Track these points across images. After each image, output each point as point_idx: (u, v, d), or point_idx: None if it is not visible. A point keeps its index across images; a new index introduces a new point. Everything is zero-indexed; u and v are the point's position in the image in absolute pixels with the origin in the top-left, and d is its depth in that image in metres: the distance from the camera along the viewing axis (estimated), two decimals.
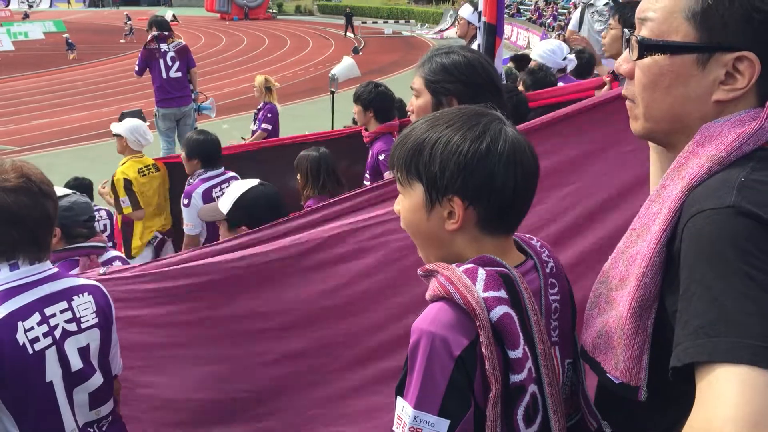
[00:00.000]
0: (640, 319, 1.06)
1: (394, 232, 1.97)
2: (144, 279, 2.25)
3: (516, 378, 1.15)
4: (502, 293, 1.16)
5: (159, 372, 2.33)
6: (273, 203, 2.59)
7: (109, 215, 5.35)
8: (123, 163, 5.00)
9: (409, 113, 2.13)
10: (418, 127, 1.27)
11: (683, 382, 0.92)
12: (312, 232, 2.08)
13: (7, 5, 59.55)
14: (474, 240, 1.24)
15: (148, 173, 5.00)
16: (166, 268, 2.22)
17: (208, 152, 4.41)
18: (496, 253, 1.24)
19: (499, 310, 1.14)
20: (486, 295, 1.15)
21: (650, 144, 1.32)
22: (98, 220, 5.46)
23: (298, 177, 4.07)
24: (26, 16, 46.03)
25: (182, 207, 4.34)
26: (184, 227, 4.39)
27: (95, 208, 5.35)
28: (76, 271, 2.72)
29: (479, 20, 3.62)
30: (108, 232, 5.48)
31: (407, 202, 1.28)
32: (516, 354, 1.15)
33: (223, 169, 4.48)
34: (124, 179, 4.89)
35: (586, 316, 1.23)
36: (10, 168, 1.89)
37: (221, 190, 4.22)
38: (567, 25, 25.89)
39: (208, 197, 4.20)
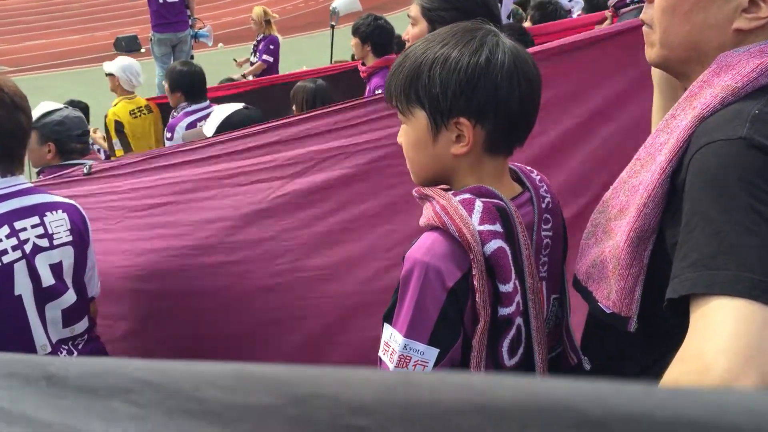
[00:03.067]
0: (637, 250, 1.06)
1: (387, 157, 1.96)
2: (126, 172, 2.23)
3: (504, 311, 1.16)
4: (498, 227, 1.15)
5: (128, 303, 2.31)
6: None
7: (106, 155, 5.31)
8: (115, 104, 4.92)
9: (405, 41, 2.11)
10: (412, 51, 1.22)
11: (676, 315, 0.91)
12: (302, 152, 2.04)
13: None
14: (475, 163, 1.21)
15: (140, 115, 4.92)
16: (141, 179, 2.19)
17: (191, 84, 4.28)
18: (493, 177, 1.22)
19: (494, 244, 1.13)
20: (481, 228, 1.13)
21: (654, 80, 1.31)
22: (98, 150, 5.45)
23: (293, 108, 4.03)
24: None
25: (165, 141, 4.26)
26: None
27: (94, 147, 5.33)
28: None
29: None
30: (106, 152, 5.46)
31: (411, 131, 1.23)
32: (507, 288, 1.15)
33: (208, 102, 4.35)
34: (116, 121, 4.81)
35: (581, 245, 1.23)
36: None
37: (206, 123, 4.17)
38: None
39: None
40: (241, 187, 2.11)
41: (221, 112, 2.61)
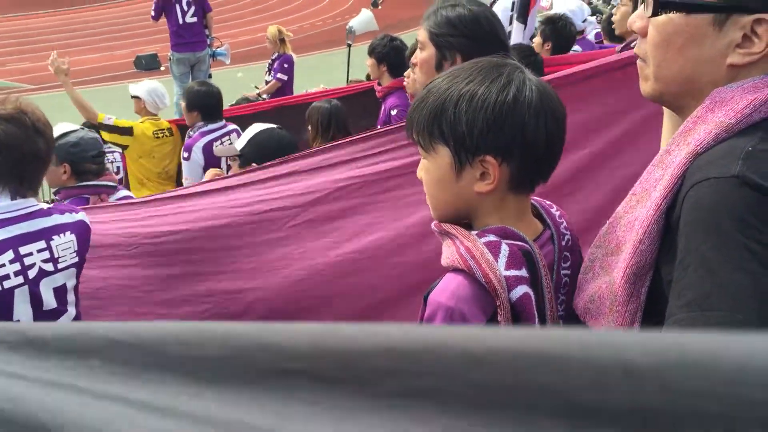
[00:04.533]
0: (634, 286, 1.04)
1: (403, 186, 1.95)
2: (131, 219, 2.25)
3: None
4: (524, 272, 1.13)
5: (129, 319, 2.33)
6: (285, 146, 2.60)
7: (123, 158, 5.35)
8: (141, 122, 4.95)
9: (411, 65, 2.10)
10: (436, 86, 1.20)
11: None
12: (318, 182, 2.05)
13: None
14: (499, 201, 1.19)
15: (162, 137, 4.94)
16: (158, 208, 2.22)
17: (208, 104, 4.27)
18: (515, 216, 1.20)
19: (520, 290, 1.11)
20: (508, 273, 1.11)
21: (664, 108, 1.29)
22: (111, 162, 5.46)
23: (309, 128, 4.04)
24: None
25: (182, 160, 4.27)
26: (184, 180, 4.31)
27: (109, 149, 5.35)
28: None
29: None
30: (121, 174, 5.47)
31: (433, 167, 1.21)
32: None
33: (224, 122, 4.35)
34: (132, 126, 4.80)
35: (579, 279, 1.21)
36: (10, 102, 1.89)
37: (222, 143, 4.16)
38: None
39: (208, 151, 4.12)
40: (259, 215, 2.12)
41: (254, 128, 2.64)
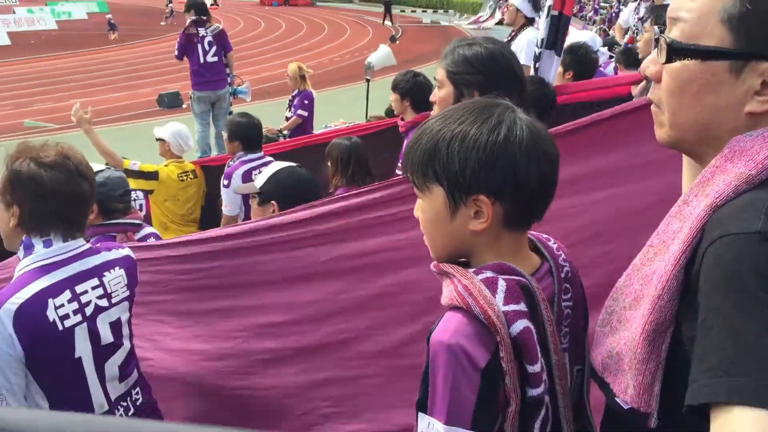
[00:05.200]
0: (654, 343, 1.00)
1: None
2: (164, 257, 2.29)
3: (534, 392, 1.13)
4: (522, 306, 1.13)
5: (162, 355, 2.36)
6: (305, 184, 2.59)
7: (145, 195, 5.38)
8: (166, 165, 5.00)
9: (432, 102, 2.11)
10: (429, 127, 1.22)
11: (698, 417, 0.85)
12: (340, 223, 2.07)
13: None
14: (495, 239, 1.20)
15: (186, 179, 5.00)
16: (192, 249, 2.25)
17: (249, 135, 4.47)
18: (512, 253, 1.21)
19: (519, 325, 1.11)
20: (506, 308, 1.11)
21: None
22: (134, 200, 5.51)
23: (329, 164, 4.05)
24: None
25: (222, 188, 4.39)
26: (223, 208, 4.44)
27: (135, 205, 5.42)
28: None
29: (548, 11, 3.51)
30: (144, 212, 5.50)
31: (428, 207, 1.22)
32: (535, 369, 1.13)
33: (262, 153, 4.53)
34: (157, 170, 4.85)
35: (596, 332, 1.17)
36: (52, 147, 1.95)
37: (260, 172, 4.23)
38: (608, 19, 25.47)
39: (247, 179, 4.23)
40: (289, 253, 2.15)
41: (274, 166, 2.66)
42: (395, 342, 2.08)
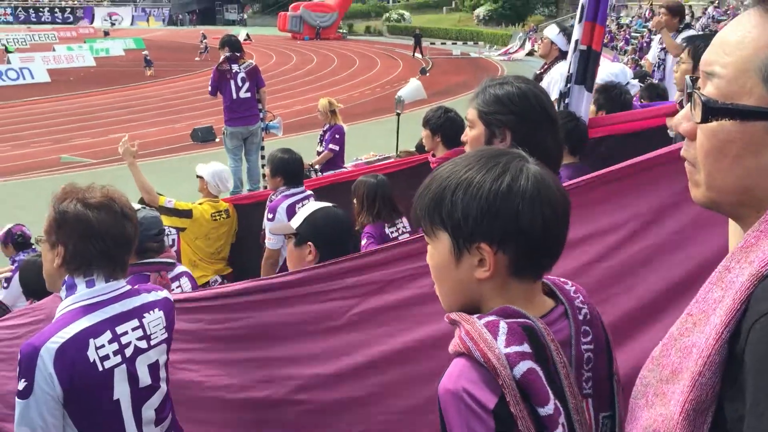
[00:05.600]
0: (694, 423, 0.92)
1: None
2: (197, 307, 2.30)
3: None
4: (525, 347, 1.11)
5: (193, 408, 2.34)
6: (341, 225, 2.57)
7: (177, 232, 5.41)
8: (200, 203, 5.03)
9: (463, 143, 2.08)
10: (439, 173, 1.23)
11: None
12: (373, 275, 2.05)
13: (91, 22, 62.51)
14: (502, 287, 1.19)
15: (219, 219, 5.03)
16: (224, 300, 2.26)
17: (291, 171, 4.55)
18: (523, 300, 1.19)
19: (523, 366, 1.09)
20: (508, 350, 1.10)
21: None
22: (168, 234, 5.55)
23: (354, 201, 4.04)
24: (106, 33, 48.14)
25: (266, 222, 4.44)
26: (266, 241, 4.46)
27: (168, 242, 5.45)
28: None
29: (575, 45, 3.47)
30: (176, 247, 5.53)
31: (435, 254, 1.23)
32: (547, 411, 1.10)
33: (304, 187, 4.60)
34: (191, 208, 4.88)
35: (631, 404, 1.10)
36: (98, 189, 1.99)
37: (303, 206, 4.26)
38: (640, 48, 25.36)
39: (292, 212, 4.26)
40: (319, 305, 2.14)
41: (310, 207, 2.65)
42: (425, 398, 2.03)
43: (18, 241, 5.47)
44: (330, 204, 2.66)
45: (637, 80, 5.10)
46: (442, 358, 1.94)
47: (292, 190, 4.51)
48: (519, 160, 1.19)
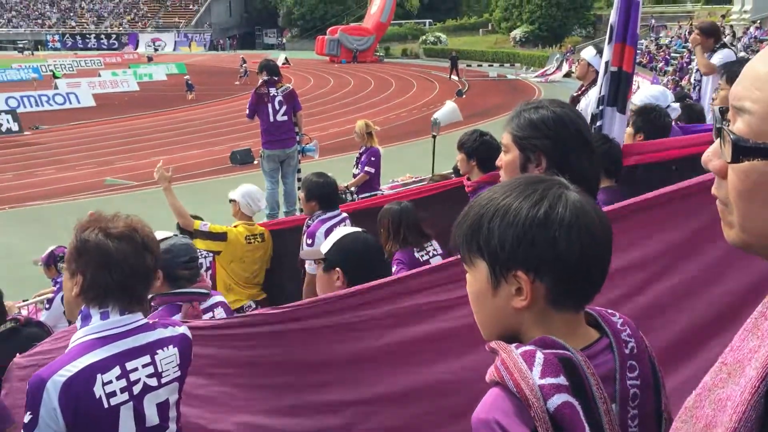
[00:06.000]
0: None
1: None
2: (230, 335, 2.30)
3: None
4: (561, 380, 1.07)
5: (229, 427, 2.34)
6: (370, 251, 2.55)
7: (213, 261, 5.43)
8: (235, 226, 5.03)
9: (498, 167, 2.06)
10: (478, 201, 1.22)
11: None
12: (400, 306, 2.02)
13: (136, 48, 64.19)
14: (541, 317, 1.16)
15: (254, 242, 5.01)
16: (251, 329, 2.26)
17: (326, 195, 4.54)
18: (564, 331, 1.16)
19: (557, 399, 1.05)
20: (543, 381, 1.06)
21: None
22: (204, 257, 5.57)
23: (381, 231, 4.03)
24: (150, 59, 49.35)
25: (305, 246, 4.41)
26: (307, 266, 4.43)
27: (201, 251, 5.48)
28: (178, 317, 2.74)
29: (605, 67, 3.43)
30: (212, 271, 5.55)
31: (473, 281, 1.22)
32: None
33: (339, 210, 4.59)
34: (225, 231, 4.88)
35: None
36: (121, 218, 1.96)
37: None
38: (680, 68, 25.02)
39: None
40: (351, 333, 2.11)
41: (339, 232, 2.64)
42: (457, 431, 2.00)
43: (61, 263, 5.59)
44: (359, 229, 2.65)
45: (678, 104, 4.98)
46: (475, 391, 1.92)
47: (329, 214, 4.50)
48: (558, 187, 1.17)
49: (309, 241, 4.39)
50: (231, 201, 5.12)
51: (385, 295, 2.06)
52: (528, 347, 1.11)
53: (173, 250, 2.87)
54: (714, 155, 0.94)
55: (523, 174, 1.21)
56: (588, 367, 1.11)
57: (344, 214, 4.55)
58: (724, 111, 0.93)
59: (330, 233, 4.17)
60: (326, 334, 2.15)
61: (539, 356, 1.09)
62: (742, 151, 0.87)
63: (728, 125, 0.90)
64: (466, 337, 1.89)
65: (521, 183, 1.19)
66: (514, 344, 1.14)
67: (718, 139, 0.92)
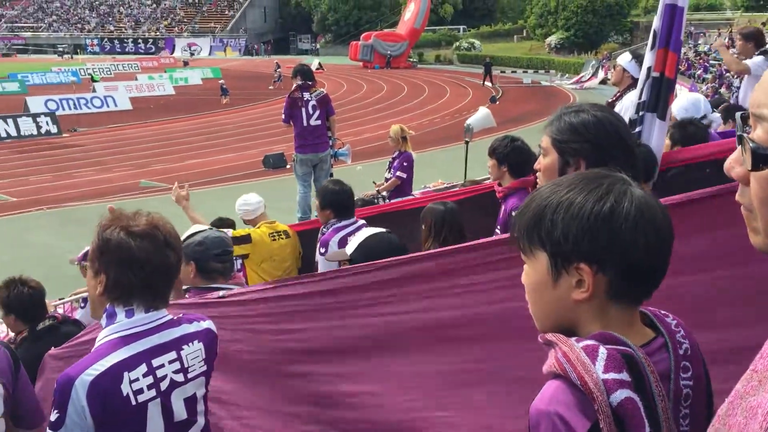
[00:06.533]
0: None
1: (514, 299, 1.87)
2: (256, 315, 2.31)
3: None
4: (624, 375, 1.08)
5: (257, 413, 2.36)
6: (395, 251, 2.56)
7: (242, 263, 5.50)
8: (258, 226, 5.11)
9: (536, 170, 2.04)
10: (539, 193, 1.23)
11: None
12: (423, 289, 2.01)
13: (172, 52, 65.24)
14: (600, 310, 1.17)
15: (278, 238, 5.06)
16: (279, 306, 2.27)
17: (340, 203, 4.47)
18: (621, 325, 1.17)
19: (620, 394, 1.06)
20: (606, 376, 1.07)
21: None
22: (235, 259, 5.65)
23: (423, 228, 4.01)
24: (186, 63, 50.10)
25: (318, 256, 4.39)
26: (320, 267, 4.44)
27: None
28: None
29: (647, 73, 3.38)
30: (242, 274, 5.61)
31: (532, 272, 1.23)
32: None
33: (355, 218, 4.51)
34: (249, 233, 4.96)
35: None
36: (143, 216, 1.95)
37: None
38: (719, 75, 24.59)
39: (344, 245, 4.22)
40: (369, 318, 2.10)
41: (364, 233, 2.64)
42: (481, 425, 1.98)
43: None
44: (383, 229, 2.65)
45: (719, 114, 4.89)
46: (489, 385, 1.90)
47: (343, 222, 4.42)
48: (622, 183, 1.18)
49: (322, 250, 4.34)
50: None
51: (412, 273, 2.05)
52: (589, 341, 1.12)
53: (206, 243, 2.87)
54: (736, 162, 0.94)
55: (585, 170, 1.22)
56: (648, 364, 1.12)
57: (360, 222, 4.47)
58: (745, 118, 0.92)
59: (344, 243, 4.17)
60: (348, 318, 2.15)
61: (602, 351, 1.09)
62: (761, 159, 0.86)
63: (749, 132, 0.89)
64: (497, 324, 1.88)
65: (585, 178, 1.20)
66: (573, 338, 1.14)
67: (740, 146, 0.91)
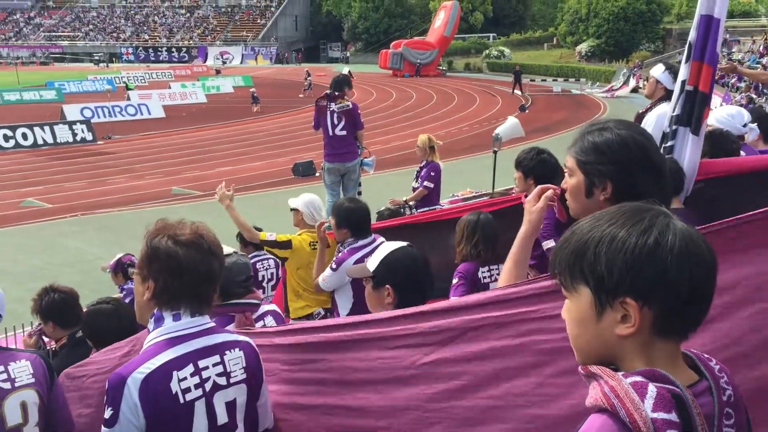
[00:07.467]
0: None
1: (541, 332, 1.79)
2: (272, 345, 2.30)
3: None
4: (673, 416, 1.05)
5: None
6: (417, 266, 2.54)
7: (277, 264, 5.53)
8: (299, 234, 5.09)
9: (563, 190, 2.02)
10: (580, 228, 1.21)
11: None
12: (451, 320, 1.95)
13: (205, 61, 66.08)
14: (644, 346, 1.15)
15: (317, 247, 5.01)
16: (294, 338, 2.25)
17: (357, 222, 4.37)
18: (666, 362, 1.14)
19: None
20: (655, 416, 1.04)
21: None
22: (267, 269, 5.68)
23: (456, 231, 3.99)
24: (218, 71, 50.69)
25: (329, 270, 4.35)
26: (321, 282, 4.41)
27: (263, 257, 5.58)
28: (231, 326, 2.81)
29: (681, 86, 3.30)
30: (274, 281, 5.64)
31: (574, 308, 1.21)
32: None
33: (372, 236, 4.42)
34: (290, 239, 4.96)
35: None
36: (187, 225, 2.05)
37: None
38: (755, 87, 24.15)
39: None
40: (390, 351, 2.06)
41: (386, 248, 2.63)
42: None
43: (128, 270, 5.79)
44: (405, 243, 2.64)
45: (756, 124, 4.77)
46: (520, 418, 1.83)
47: (360, 243, 4.31)
48: (664, 217, 1.16)
49: (334, 266, 4.29)
50: (292, 210, 5.18)
51: (430, 310, 2.01)
52: (637, 378, 1.10)
53: (233, 269, 2.91)
54: None
55: (623, 203, 1.19)
56: (695, 407, 1.09)
57: (379, 240, 4.32)
58: None
59: (360, 263, 4.04)
60: (364, 351, 2.11)
61: (651, 389, 1.07)
62: None
63: None
64: (528, 357, 1.83)
65: (627, 210, 1.19)
66: (620, 373, 1.12)
67: None
